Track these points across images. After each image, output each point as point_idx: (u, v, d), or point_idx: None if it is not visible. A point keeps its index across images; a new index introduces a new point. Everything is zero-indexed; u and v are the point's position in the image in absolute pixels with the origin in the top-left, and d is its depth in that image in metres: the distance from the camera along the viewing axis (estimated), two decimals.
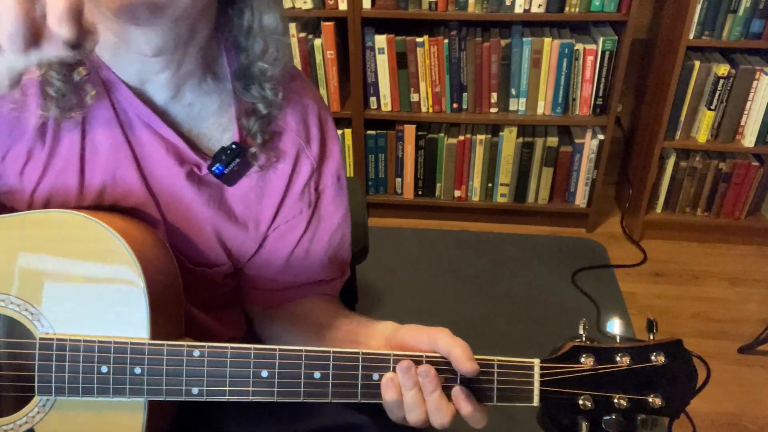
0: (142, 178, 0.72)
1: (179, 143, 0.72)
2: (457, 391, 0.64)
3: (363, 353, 0.64)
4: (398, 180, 2.38)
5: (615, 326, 0.68)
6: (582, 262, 2.22)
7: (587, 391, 0.65)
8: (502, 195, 2.35)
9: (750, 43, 1.97)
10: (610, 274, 2.19)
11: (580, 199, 2.32)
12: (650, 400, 0.65)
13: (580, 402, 0.65)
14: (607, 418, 0.65)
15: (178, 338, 0.69)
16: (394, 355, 0.65)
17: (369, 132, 2.29)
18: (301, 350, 0.64)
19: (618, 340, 0.67)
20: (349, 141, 2.31)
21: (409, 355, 0.65)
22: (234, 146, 0.72)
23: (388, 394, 0.64)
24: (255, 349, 0.64)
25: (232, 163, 0.72)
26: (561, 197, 2.34)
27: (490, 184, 2.34)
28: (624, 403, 0.65)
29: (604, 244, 2.32)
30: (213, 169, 0.72)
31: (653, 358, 0.65)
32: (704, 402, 1.72)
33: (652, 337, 0.66)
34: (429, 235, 2.39)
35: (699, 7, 1.90)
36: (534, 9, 2.01)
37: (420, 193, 2.39)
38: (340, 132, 2.30)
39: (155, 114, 0.70)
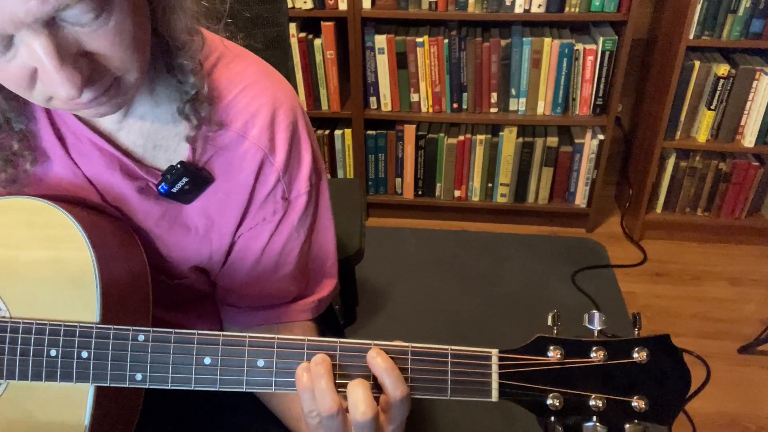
0: (99, 194, 0.72)
1: (124, 160, 0.70)
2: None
3: (308, 340, 0.62)
4: (398, 180, 2.38)
5: (593, 320, 0.61)
6: (582, 262, 2.22)
7: (555, 388, 0.59)
8: (502, 195, 2.35)
9: (750, 43, 1.97)
10: (610, 274, 2.19)
11: (580, 199, 2.32)
12: (633, 402, 0.59)
13: (549, 401, 0.59)
14: (589, 425, 0.59)
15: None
16: (341, 342, 0.61)
17: (369, 132, 2.29)
18: (244, 336, 0.63)
19: (595, 335, 0.60)
20: (349, 141, 2.31)
21: (357, 343, 0.61)
22: (179, 165, 0.70)
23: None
24: (199, 334, 0.63)
25: (179, 182, 0.70)
26: (561, 197, 2.34)
27: (490, 184, 2.34)
28: (601, 404, 0.58)
29: (604, 244, 2.32)
30: (159, 188, 0.70)
31: (635, 354, 0.59)
32: (704, 402, 1.72)
33: (637, 333, 0.60)
34: (429, 235, 2.39)
35: (699, 7, 1.90)
36: (534, 9, 2.01)
37: (420, 193, 2.39)
38: (339, 132, 2.31)
39: (105, 133, 0.70)
